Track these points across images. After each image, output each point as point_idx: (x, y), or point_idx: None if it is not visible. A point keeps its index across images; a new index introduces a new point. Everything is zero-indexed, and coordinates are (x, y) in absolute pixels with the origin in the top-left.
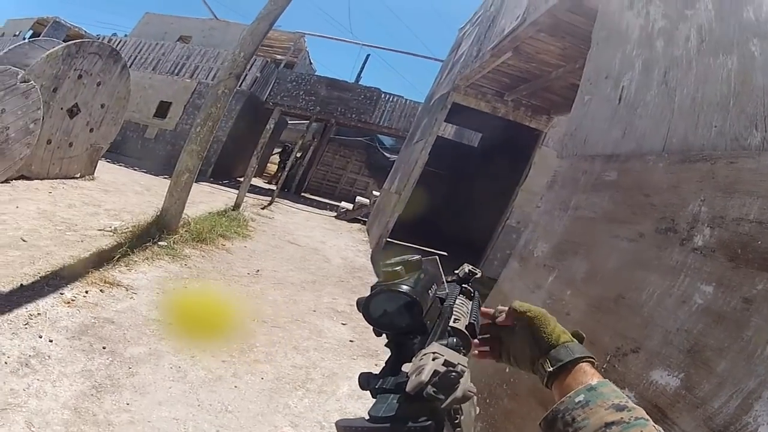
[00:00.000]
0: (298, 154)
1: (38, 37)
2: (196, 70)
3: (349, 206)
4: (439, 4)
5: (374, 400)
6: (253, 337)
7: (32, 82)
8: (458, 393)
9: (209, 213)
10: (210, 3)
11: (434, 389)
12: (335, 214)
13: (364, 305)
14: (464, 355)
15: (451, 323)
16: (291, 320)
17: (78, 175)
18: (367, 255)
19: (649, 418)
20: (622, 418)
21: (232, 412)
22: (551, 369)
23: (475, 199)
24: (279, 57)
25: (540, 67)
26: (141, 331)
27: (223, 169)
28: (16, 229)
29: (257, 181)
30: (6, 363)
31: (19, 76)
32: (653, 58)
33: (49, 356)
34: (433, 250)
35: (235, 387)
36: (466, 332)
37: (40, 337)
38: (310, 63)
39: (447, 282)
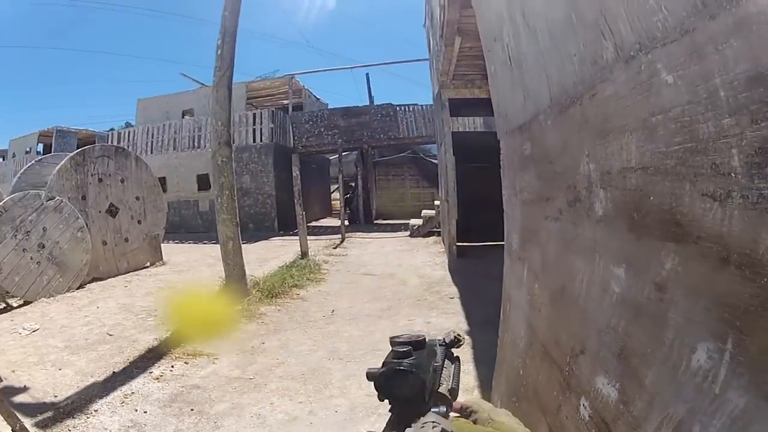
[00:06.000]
0: (351, 184)
1: (48, 147)
2: None
3: (419, 222)
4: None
5: None
6: (329, 375)
7: (57, 197)
8: None
9: (280, 267)
10: (194, 72)
11: None
12: (409, 233)
13: (376, 380)
14: (446, 416)
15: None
16: (367, 351)
17: (148, 264)
18: (444, 266)
19: None
20: None
21: None
22: None
23: None
24: (284, 102)
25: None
26: (224, 390)
27: (287, 220)
28: (102, 326)
29: (328, 221)
30: None
31: (42, 196)
32: (511, 3)
33: (145, 424)
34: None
35: (311, 423)
36: (447, 395)
37: (136, 410)
38: (318, 99)
39: (436, 346)
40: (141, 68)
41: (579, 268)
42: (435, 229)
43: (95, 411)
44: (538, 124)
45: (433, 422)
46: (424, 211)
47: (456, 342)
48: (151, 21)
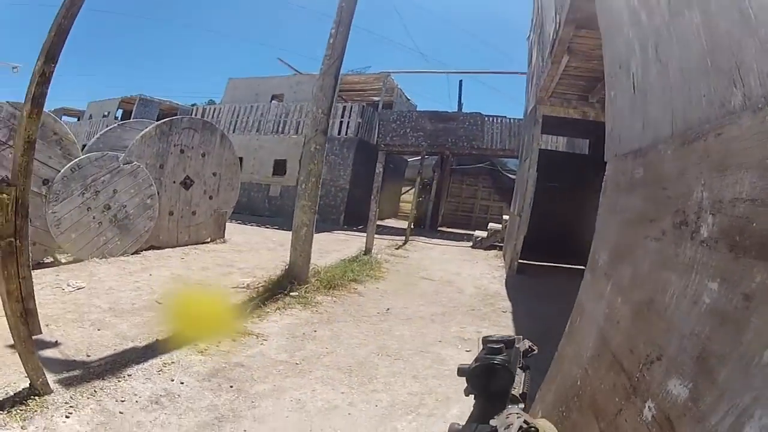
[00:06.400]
0: (428, 187)
1: (128, 113)
2: (299, 125)
3: (483, 234)
4: (509, 14)
5: None
6: (375, 370)
7: (135, 162)
8: None
9: (341, 260)
10: (288, 59)
11: None
12: (471, 244)
13: (469, 373)
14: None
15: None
16: (415, 352)
17: (209, 240)
18: (501, 281)
19: None
20: None
21: None
22: None
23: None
24: (375, 99)
25: (603, 62)
26: (268, 371)
27: (354, 215)
28: (152, 293)
29: (393, 222)
30: (137, 402)
31: (120, 159)
32: (644, 35)
33: (178, 395)
34: (566, 265)
35: (349, 414)
36: (519, 398)
37: (172, 380)
38: (408, 99)
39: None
40: (231, 48)
41: (672, 283)
42: (497, 243)
43: (128, 375)
44: (656, 151)
45: (517, 413)
46: (490, 224)
47: (529, 351)
48: (251, 2)
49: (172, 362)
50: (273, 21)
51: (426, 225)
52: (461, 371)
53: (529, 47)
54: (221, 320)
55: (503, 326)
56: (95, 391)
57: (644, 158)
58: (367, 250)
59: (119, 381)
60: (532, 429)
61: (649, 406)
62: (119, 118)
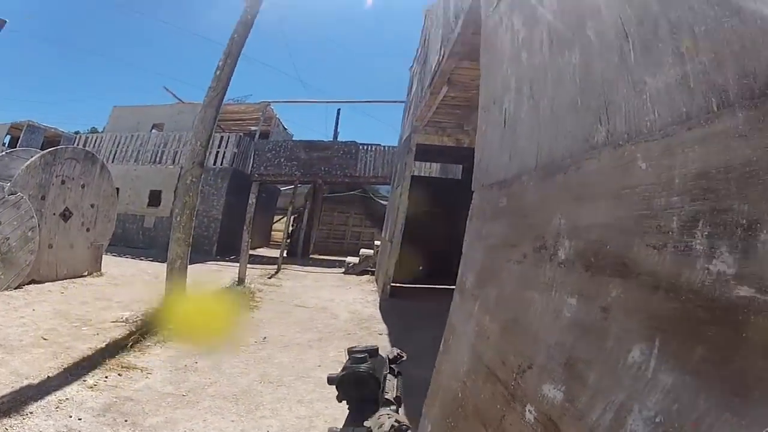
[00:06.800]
0: (294, 215)
1: (16, 140)
2: (176, 155)
3: (355, 260)
4: (397, 46)
5: None
6: (260, 397)
7: (20, 193)
8: None
9: (216, 291)
10: (174, 86)
11: None
12: (343, 270)
13: (337, 382)
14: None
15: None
16: (296, 378)
17: (86, 273)
18: (375, 304)
19: None
20: None
21: None
22: None
23: None
24: (252, 128)
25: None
26: (158, 404)
27: (226, 246)
28: (36, 329)
29: (265, 251)
30: None
31: (5, 189)
32: (521, 73)
33: (79, 431)
34: (443, 286)
35: None
36: (393, 401)
37: (71, 416)
38: (285, 129)
39: (384, 358)
40: (118, 74)
41: (535, 301)
42: (370, 268)
43: (30, 413)
44: (520, 183)
45: (388, 414)
46: (362, 250)
47: (398, 358)
48: (139, 27)
49: (67, 399)
50: (161, 48)
51: (298, 253)
52: (330, 380)
53: (411, 77)
54: None
55: (381, 348)
56: (6, 429)
57: (509, 189)
58: (240, 280)
59: (24, 419)
60: (404, 427)
61: (529, 410)
62: (7, 145)
